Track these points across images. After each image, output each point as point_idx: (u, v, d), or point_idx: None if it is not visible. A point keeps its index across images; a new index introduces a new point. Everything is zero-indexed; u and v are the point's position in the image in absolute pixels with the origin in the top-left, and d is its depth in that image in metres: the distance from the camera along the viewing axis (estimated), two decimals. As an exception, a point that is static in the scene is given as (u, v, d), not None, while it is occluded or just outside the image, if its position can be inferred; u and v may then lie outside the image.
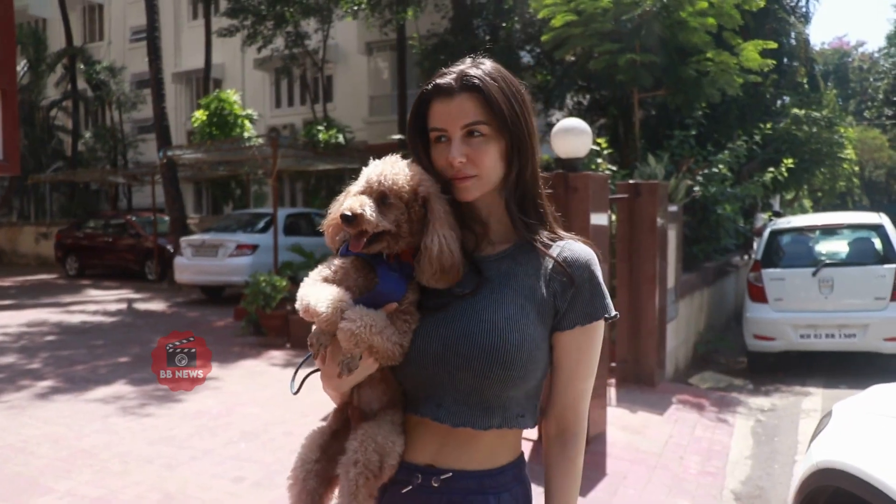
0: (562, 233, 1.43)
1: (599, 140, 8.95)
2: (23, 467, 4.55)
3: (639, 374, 6.82)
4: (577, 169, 5.23)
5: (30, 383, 6.83)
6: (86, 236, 18.35)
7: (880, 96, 39.65)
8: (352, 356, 1.27)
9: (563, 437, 1.41)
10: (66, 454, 4.81)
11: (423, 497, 1.37)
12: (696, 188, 8.79)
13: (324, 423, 1.45)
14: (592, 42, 9.49)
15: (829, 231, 8.94)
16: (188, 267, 12.82)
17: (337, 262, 1.37)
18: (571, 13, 9.42)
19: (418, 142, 1.42)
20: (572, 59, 11.95)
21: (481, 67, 1.37)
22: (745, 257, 12.74)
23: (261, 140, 12.74)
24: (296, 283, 10.02)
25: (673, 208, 7.68)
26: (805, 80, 17.52)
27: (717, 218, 9.01)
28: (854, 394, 3.06)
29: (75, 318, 11.03)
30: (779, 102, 15.73)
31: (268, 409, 6.08)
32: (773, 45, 10.21)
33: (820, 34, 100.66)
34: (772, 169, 9.82)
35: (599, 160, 8.59)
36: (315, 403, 6.07)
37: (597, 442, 5.06)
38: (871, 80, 42.67)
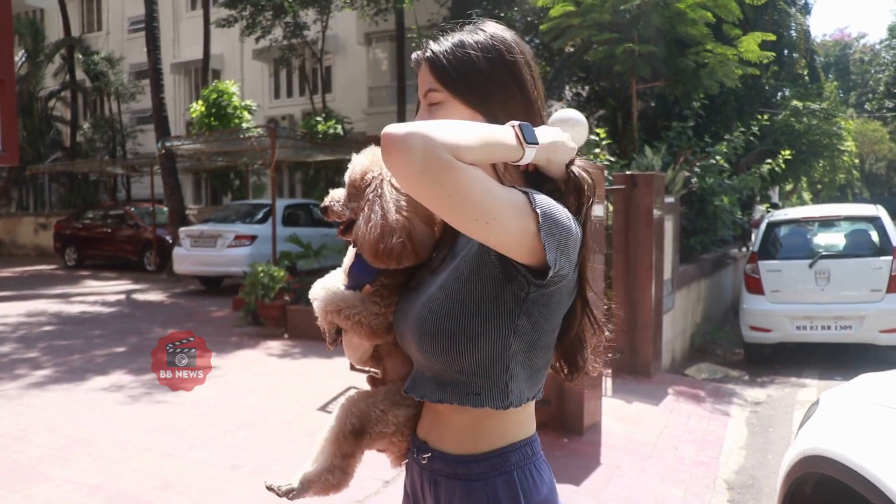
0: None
1: (598, 131, 8.96)
2: (21, 455, 4.58)
3: (635, 364, 6.86)
4: (573, 160, 5.23)
5: (28, 372, 6.86)
6: (84, 227, 18.36)
7: (881, 88, 39.63)
8: (327, 330, 1.46)
9: None
10: (64, 442, 4.83)
11: (418, 470, 1.41)
12: (694, 179, 8.80)
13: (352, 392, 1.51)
14: (591, 32, 9.48)
15: (826, 223, 8.94)
16: (187, 257, 12.84)
17: (350, 251, 1.47)
18: (570, 3, 9.42)
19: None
20: (571, 49, 11.94)
21: (455, 35, 1.34)
22: (744, 249, 12.75)
23: (259, 130, 12.74)
24: (294, 273, 10.06)
25: (670, 199, 7.69)
26: (805, 72, 17.52)
27: (714, 209, 9.02)
28: (847, 384, 3.08)
29: (74, 309, 11.06)
30: (779, 94, 15.72)
31: (265, 398, 6.11)
32: (772, 37, 10.21)
33: (821, 26, 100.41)
34: (769, 160, 9.82)
35: (598, 151, 8.60)
36: (311, 393, 6.13)
37: (592, 432, 5.10)
38: (873, 71, 42.61)
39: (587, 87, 14.65)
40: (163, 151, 14.57)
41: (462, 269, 1.26)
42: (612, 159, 9.10)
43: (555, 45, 10.98)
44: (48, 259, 20.40)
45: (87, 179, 26.21)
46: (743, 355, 8.81)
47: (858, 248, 8.35)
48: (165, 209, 16.25)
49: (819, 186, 30.24)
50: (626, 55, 9.33)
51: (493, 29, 1.35)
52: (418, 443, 1.41)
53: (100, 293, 13.02)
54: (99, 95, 26.73)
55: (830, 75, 33.93)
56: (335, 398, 5.94)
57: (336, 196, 1.44)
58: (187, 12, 26.54)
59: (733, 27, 9.99)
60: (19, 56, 24.15)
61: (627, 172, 7.16)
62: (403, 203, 1.33)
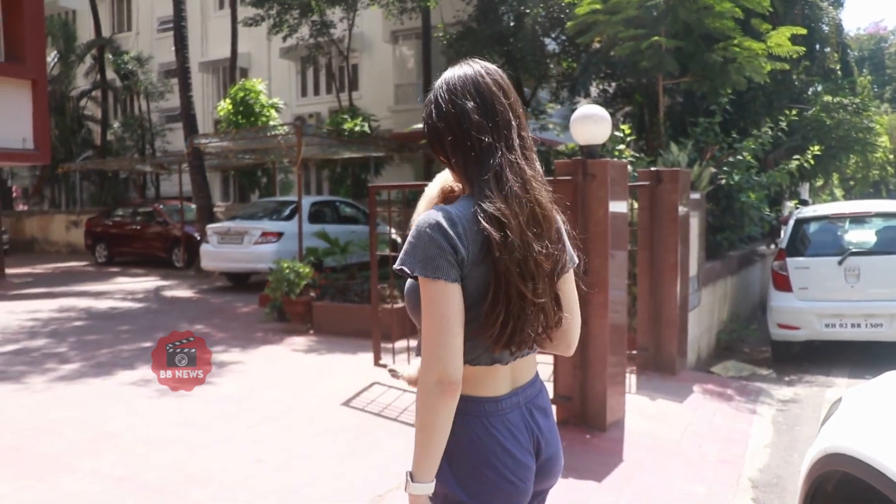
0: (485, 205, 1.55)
1: (623, 127, 8.90)
2: (49, 448, 4.66)
3: (659, 362, 6.80)
4: (595, 156, 5.20)
5: (57, 367, 6.98)
6: (114, 224, 18.62)
7: (917, 83, 38.79)
8: None
9: None
10: (92, 435, 4.91)
11: None
12: (721, 176, 8.70)
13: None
14: (617, 28, 9.42)
15: (856, 219, 8.79)
16: (214, 254, 12.96)
17: None
18: (597, 0, 9.36)
19: None
20: (597, 45, 11.87)
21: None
22: (772, 246, 12.58)
23: (286, 128, 12.83)
24: (320, 269, 10.13)
25: (696, 196, 7.61)
26: (838, 67, 17.21)
27: (741, 206, 8.90)
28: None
29: (103, 304, 11.22)
30: (810, 90, 15.46)
31: (290, 393, 6.16)
32: (802, 31, 10.06)
33: (855, 19, 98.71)
34: (797, 156, 9.67)
35: (622, 147, 8.54)
36: (335, 388, 6.16)
37: (615, 428, 5.07)
38: (908, 65, 41.73)
39: (613, 84, 14.55)
40: (191, 149, 14.73)
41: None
42: (638, 155, 9.02)
43: (581, 41, 10.92)
44: (79, 256, 20.72)
45: (117, 177, 26.59)
46: (770, 353, 8.70)
47: (890, 245, 8.19)
48: (193, 206, 16.41)
49: (851, 183, 29.73)
50: (653, 51, 9.25)
51: (438, 82, 1.64)
52: None
53: (129, 289, 13.20)
54: (129, 94, 27.11)
55: (864, 70, 33.23)
56: (359, 393, 5.96)
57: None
58: (215, 12, 26.80)
59: (762, 21, 9.85)
60: (52, 57, 24.57)
61: (652, 168, 7.10)
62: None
